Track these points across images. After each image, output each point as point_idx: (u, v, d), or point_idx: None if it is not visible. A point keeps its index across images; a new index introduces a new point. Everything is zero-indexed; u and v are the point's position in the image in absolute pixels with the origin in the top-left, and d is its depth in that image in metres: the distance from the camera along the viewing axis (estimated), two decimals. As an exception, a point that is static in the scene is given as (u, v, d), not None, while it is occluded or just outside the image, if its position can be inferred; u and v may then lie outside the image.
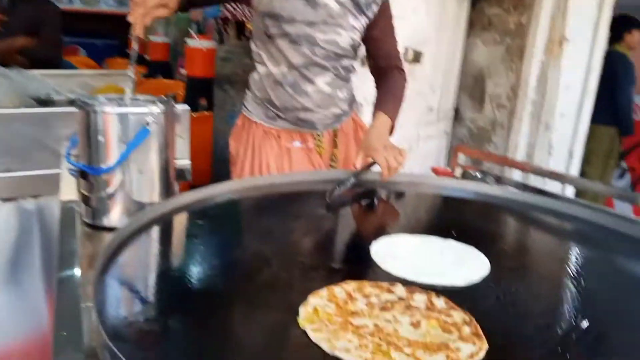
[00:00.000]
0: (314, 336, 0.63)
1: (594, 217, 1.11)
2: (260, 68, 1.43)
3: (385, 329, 0.66)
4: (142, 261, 0.88)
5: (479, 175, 1.48)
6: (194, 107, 3.27)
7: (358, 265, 0.90)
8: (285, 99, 1.40)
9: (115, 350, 0.54)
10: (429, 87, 2.47)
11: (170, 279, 0.80)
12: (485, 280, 0.84)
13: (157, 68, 5.27)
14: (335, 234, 1.02)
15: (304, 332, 0.65)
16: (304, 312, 0.69)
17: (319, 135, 1.47)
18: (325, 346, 0.61)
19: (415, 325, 0.67)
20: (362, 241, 0.97)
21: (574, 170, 2.81)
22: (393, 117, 1.38)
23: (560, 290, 0.84)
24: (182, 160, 1.17)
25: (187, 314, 0.69)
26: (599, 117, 2.90)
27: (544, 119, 2.61)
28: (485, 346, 0.63)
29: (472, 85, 2.84)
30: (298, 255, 0.92)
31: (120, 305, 0.72)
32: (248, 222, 1.08)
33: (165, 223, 1.00)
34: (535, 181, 2.18)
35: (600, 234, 1.07)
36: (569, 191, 2.49)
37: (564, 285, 0.85)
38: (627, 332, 0.73)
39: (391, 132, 1.38)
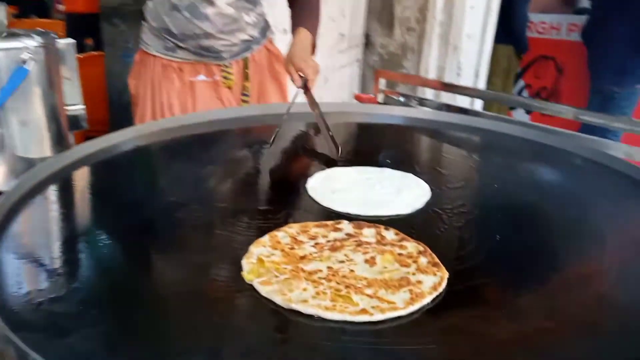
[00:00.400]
0: (264, 290, 0.56)
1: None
2: None
3: (341, 271, 0.60)
4: (41, 228, 0.74)
5: (402, 99, 1.44)
6: (79, 49, 2.91)
7: (295, 205, 0.83)
8: (183, 25, 1.23)
9: (19, 343, 0.43)
10: (339, 12, 2.36)
11: (79, 246, 0.67)
12: (429, 205, 0.81)
13: (28, 6, 4.60)
14: (264, 175, 0.93)
15: (252, 287, 0.57)
16: (248, 265, 0.61)
17: (226, 66, 1.33)
18: (278, 300, 0.54)
19: (371, 262, 0.62)
20: (295, 180, 0.89)
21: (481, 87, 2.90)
22: (314, 33, 1.27)
23: (500, 201, 0.83)
24: (74, 106, 1.00)
25: (107, 285, 0.58)
26: (497, 36, 2.97)
27: (452, 41, 2.62)
28: (445, 274, 0.60)
29: (381, 10, 2.76)
30: (227, 203, 0.83)
31: (22, 285, 0.59)
32: (161, 171, 0.96)
33: (63, 180, 0.85)
34: (448, 99, 2.22)
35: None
36: (478, 105, 2.58)
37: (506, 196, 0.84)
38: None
39: (313, 50, 1.27)
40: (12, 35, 0.81)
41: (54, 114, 0.88)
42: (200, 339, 0.49)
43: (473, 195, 0.85)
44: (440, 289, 0.57)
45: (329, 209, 0.79)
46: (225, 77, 1.33)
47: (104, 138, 0.98)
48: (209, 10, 1.23)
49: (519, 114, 3.32)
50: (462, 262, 0.64)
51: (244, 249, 0.64)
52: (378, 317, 0.52)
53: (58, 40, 0.92)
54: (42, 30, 0.87)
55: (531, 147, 1.08)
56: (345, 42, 2.58)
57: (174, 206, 0.78)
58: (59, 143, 0.91)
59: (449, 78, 2.69)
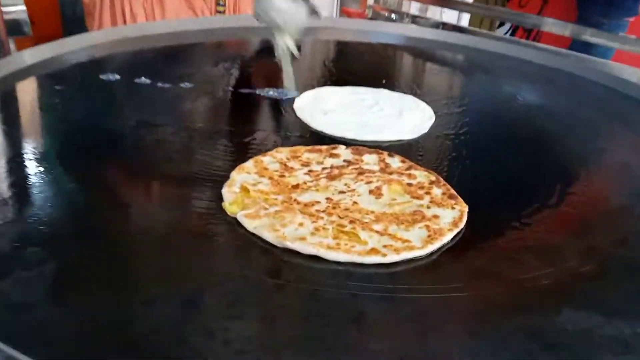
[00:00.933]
0: (251, 225, 0.46)
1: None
2: None
3: (342, 203, 0.50)
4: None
5: (389, 16, 1.30)
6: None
7: (281, 127, 0.72)
8: None
9: None
10: None
11: (21, 171, 0.55)
12: (432, 129, 0.71)
13: None
14: (245, 94, 0.81)
15: (236, 222, 0.47)
16: (230, 194, 0.50)
17: None
18: (269, 236, 0.44)
19: (376, 193, 0.52)
20: (281, 99, 0.77)
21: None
22: None
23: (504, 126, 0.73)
24: (14, 6, 0.83)
25: (56, 217, 0.47)
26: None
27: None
28: (465, 208, 0.51)
29: None
30: (201, 124, 0.70)
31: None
32: (122, 87, 0.82)
33: (4, 93, 0.71)
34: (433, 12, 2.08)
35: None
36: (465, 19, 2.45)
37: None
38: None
39: None
40: None
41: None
42: (173, 284, 0.39)
43: (478, 120, 0.75)
44: (461, 225, 0.48)
45: (321, 132, 0.68)
46: None
47: (52, 44, 0.83)
48: None
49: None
50: (478, 195, 0.55)
51: (224, 177, 0.53)
52: (392, 258, 0.43)
53: None
54: None
55: (534, 68, 0.98)
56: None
57: (138, 127, 0.65)
58: (-5, 48, 0.75)
59: None
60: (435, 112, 0.75)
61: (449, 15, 1.98)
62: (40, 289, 0.37)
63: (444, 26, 1.20)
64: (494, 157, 0.65)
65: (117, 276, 0.40)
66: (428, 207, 0.50)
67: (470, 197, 0.53)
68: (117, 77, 0.79)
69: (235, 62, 0.94)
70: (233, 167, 0.55)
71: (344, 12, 1.27)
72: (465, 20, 1.81)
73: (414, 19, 1.25)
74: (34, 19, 2.35)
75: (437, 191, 0.54)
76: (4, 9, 0.83)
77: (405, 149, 0.64)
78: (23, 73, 0.77)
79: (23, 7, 0.86)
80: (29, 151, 0.59)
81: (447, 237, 0.46)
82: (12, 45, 0.96)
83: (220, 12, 1.22)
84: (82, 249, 0.42)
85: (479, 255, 0.46)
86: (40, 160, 0.56)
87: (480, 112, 0.79)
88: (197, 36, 1.00)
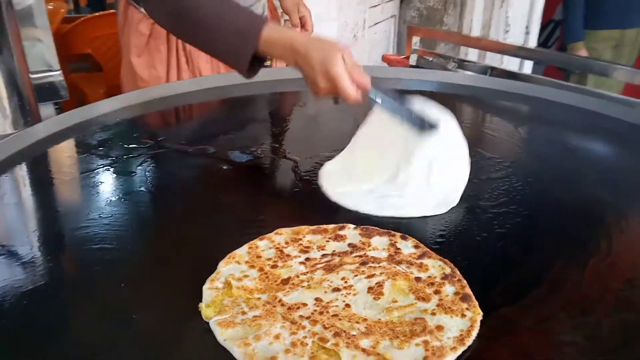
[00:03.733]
0: (221, 335, 0.41)
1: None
2: None
3: (332, 306, 0.44)
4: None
5: (436, 60, 1.23)
6: (99, 6, 2.77)
7: (301, 198, 0.67)
8: None
9: None
10: (372, -39, 2.11)
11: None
12: (466, 199, 0.63)
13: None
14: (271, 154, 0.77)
15: (208, 329, 0.42)
16: (210, 292, 0.46)
17: None
18: (238, 353, 0.39)
19: (376, 292, 0.46)
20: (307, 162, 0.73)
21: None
22: None
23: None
24: (48, 73, 0.86)
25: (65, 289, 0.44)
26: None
27: (500, -8, 2.33)
28: (478, 315, 0.43)
29: (420, -42, 2.48)
30: (219, 204, 0.67)
31: None
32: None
33: (33, 160, 0.72)
34: (492, 59, 1.97)
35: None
36: (528, 66, 2.31)
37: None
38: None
39: None
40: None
41: (12, 82, 0.74)
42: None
43: (522, 187, 0.67)
44: (469, 341, 0.40)
45: (336, 203, 0.63)
46: None
47: (81, 110, 0.85)
48: None
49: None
50: (507, 292, 0.47)
51: (219, 259, 0.49)
52: (374, 390, 0.36)
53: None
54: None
55: (599, 122, 0.87)
56: (379, -5, 2.33)
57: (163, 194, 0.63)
58: (25, 117, 0.77)
59: (495, 35, 2.41)
60: (471, 177, 0.67)
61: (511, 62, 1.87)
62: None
63: (494, 71, 1.11)
64: (535, 240, 0.56)
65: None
66: (433, 314, 0.43)
67: (495, 295, 0.45)
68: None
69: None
70: (232, 246, 0.51)
71: (384, 59, 1.22)
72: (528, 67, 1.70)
73: (461, 64, 1.18)
74: (104, 65, 2.52)
75: (448, 289, 0.46)
76: (40, 75, 0.85)
77: (422, 227, 0.57)
78: (50, 140, 0.78)
79: (58, 72, 0.88)
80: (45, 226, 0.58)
81: (448, 359, 0.39)
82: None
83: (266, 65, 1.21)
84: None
85: (487, 386, 0.38)
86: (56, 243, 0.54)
87: (528, 177, 0.70)
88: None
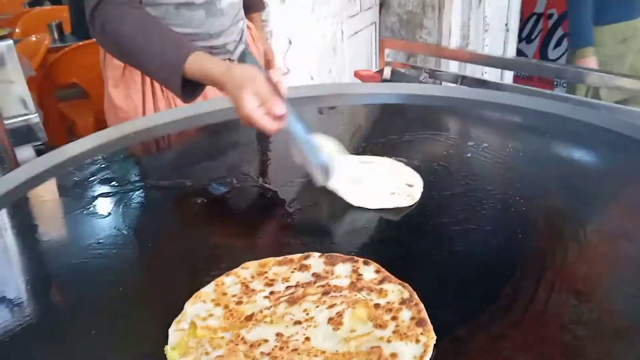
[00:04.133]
0: (185, 379, 0.43)
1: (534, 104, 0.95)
2: None
3: (292, 340, 0.46)
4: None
5: (408, 72, 1.25)
6: (83, 34, 2.79)
7: (278, 227, 0.68)
8: (196, 25, 1.04)
9: None
10: (346, -28, 2.14)
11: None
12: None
13: (44, -7, 4.53)
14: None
15: (174, 372, 0.44)
16: (176, 334, 0.48)
17: (232, 60, 1.17)
18: (200, 396, 0.41)
19: (336, 322, 0.48)
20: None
21: (512, 46, 2.63)
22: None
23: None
24: (24, 117, 0.88)
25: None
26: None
27: (476, -7, 2.36)
28: (431, 341, 0.45)
29: (395, -36, 2.51)
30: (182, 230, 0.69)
31: None
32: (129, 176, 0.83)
33: (13, 205, 0.74)
34: (473, 67, 1.99)
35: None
36: (509, 72, 2.33)
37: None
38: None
39: None
40: None
41: (-13, 131, 0.76)
42: None
43: (486, 201, 0.68)
44: (422, 366, 0.42)
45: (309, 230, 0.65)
46: None
47: (57, 152, 0.86)
48: (223, 3, 1.06)
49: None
50: (463, 312, 0.49)
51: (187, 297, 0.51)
52: None
53: (-11, 43, 0.79)
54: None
55: (569, 127, 0.89)
56: (357, 4, 2.36)
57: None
58: (0, 164, 0.79)
59: (475, 35, 2.44)
60: (435, 193, 0.69)
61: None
62: None
63: (464, 80, 1.13)
64: (489, 259, 0.58)
65: None
66: (389, 341, 0.45)
67: (449, 316, 0.47)
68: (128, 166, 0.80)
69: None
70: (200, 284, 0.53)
71: (356, 76, 1.24)
72: (508, 77, 1.70)
73: (432, 74, 1.20)
74: (91, 92, 2.54)
75: (405, 314, 0.48)
76: (15, 119, 0.87)
77: (380, 250, 0.59)
78: (26, 184, 0.80)
79: (34, 114, 0.90)
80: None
81: (401, 388, 0.40)
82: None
83: None
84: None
85: (437, 411, 0.39)
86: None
87: (489, 190, 0.72)
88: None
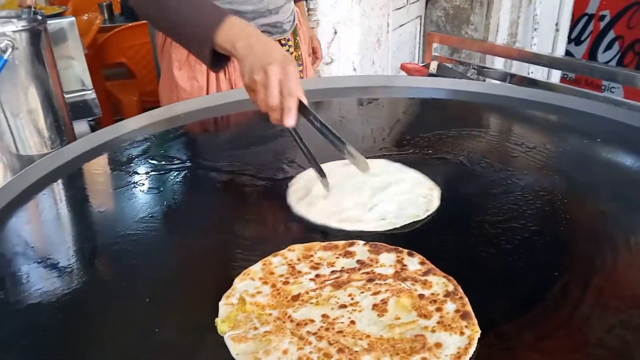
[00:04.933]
0: (234, 349, 0.44)
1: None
2: None
3: (338, 323, 0.47)
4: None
5: (456, 68, 1.24)
6: (132, 15, 2.86)
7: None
8: (256, 1, 1.07)
9: None
10: (395, -36, 2.12)
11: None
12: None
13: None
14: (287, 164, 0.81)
15: (223, 343, 0.45)
16: (226, 307, 0.50)
17: (287, 39, 1.19)
18: (248, 367, 0.42)
19: (380, 308, 0.48)
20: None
21: (561, 46, 2.56)
22: None
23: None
24: (81, 92, 0.92)
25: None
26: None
27: (528, -10, 2.30)
28: (476, 334, 0.45)
29: (445, -43, 2.47)
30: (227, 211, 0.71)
31: None
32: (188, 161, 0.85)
33: (68, 177, 0.78)
34: (520, 65, 1.95)
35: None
36: (556, 72, 2.27)
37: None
38: None
39: None
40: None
41: (49, 103, 0.80)
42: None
43: (534, 201, 0.68)
44: (466, 358, 0.43)
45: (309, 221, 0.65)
46: (291, 52, 1.20)
47: (111, 128, 0.90)
48: None
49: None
50: (508, 310, 0.49)
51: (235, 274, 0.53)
52: (372, 405, 0.39)
53: (55, 20, 0.82)
54: (34, 10, 0.77)
55: (623, 132, 0.87)
56: (404, -3, 2.33)
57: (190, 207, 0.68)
58: (60, 136, 0.83)
59: (523, 34, 2.38)
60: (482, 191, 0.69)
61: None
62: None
63: (512, 78, 1.12)
64: (535, 259, 0.57)
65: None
66: (433, 331, 0.45)
67: (493, 312, 0.47)
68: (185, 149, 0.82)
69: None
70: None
71: (403, 69, 1.24)
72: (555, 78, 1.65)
73: (480, 70, 1.18)
74: (137, 73, 2.61)
75: (450, 307, 0.48)
76: (74, 94, 0.91)
77: (429, 242, 0.59)
78: (81, 158, 0.83)
79: (90, 90, 0.94)
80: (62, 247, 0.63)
81: (445, 377, 0.41)
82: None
83: (300, 71, 1.24)
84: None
85: (481, 402, 0.40)
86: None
87: (537, 191, 0.71)
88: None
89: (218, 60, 0.77)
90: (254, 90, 0.70)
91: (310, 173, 0.73)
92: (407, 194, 0.69)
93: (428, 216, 0.65)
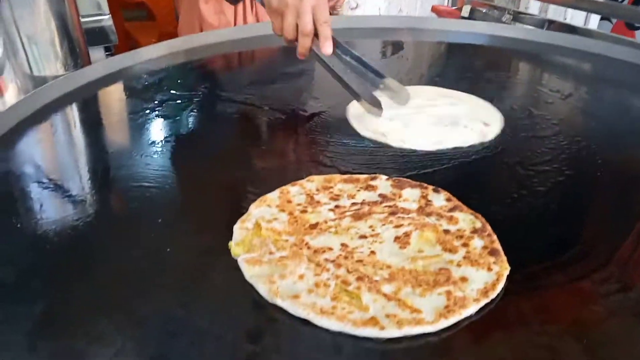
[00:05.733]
0: (248, 272, 0.42)
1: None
2: None
3: (357, 252, 0.44)
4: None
5: (490, 12, 1.17)
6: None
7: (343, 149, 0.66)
8: None
9: None
10: None
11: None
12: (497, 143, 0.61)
13: None
14: (308, 100, 0.77)
15: (236, 266, 0.43)
16: (240, 231, 0.47)
17: None
18: (262, 289, 0.40)
19: (403, 241, 0.46)
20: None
21: None
22: None
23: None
24: (98, 17, 0.88)
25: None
26: None
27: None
28: (505, 269, 0.42)
29: None
30: (261, 143, 0.68)
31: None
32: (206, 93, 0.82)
33: (83, 101, 0.75)
34: (555, 11, 1.84)
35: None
36: (594, 21, 2.15)
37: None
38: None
39: None
40: None
41: (63, 25, 0.76)
42: (141, 337, 0.37)
43: (569, 146, 0.63)
44: (493, 294, 0.40)
45: (367, 137, 0.63)
46: None
47: (126, 55, 0.86)
48: None
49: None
50: (540, 251, 0.46)
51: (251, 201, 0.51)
52: (391, 332, 0.36)
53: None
54: None
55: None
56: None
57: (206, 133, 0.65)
58: (75, 59, 0.80)
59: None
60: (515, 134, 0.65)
61: (578, 15, 1.73)
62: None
63: (550, 25, 1.05)
64: (576, 203, 0.54)
65: (87, 307, 0.39)
66: (459, 265, 0.43)
67: (523, 252, 0.44)
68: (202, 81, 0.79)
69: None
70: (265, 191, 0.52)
71: (433, 11, 1.17)
72: (594, 21, 1.56)
73: (516, 16, 1.11)
74: (157, 14, 2.55)
75: (477, 243, 0.45)
76: (90, 18, 0.87)
77: (458, 179, 0.56)
78: (98, 82, 0.80)
79: (107, 16, 0.90)
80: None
81: (470, 311, 0.38)
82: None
83: None
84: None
85: (508, 339, 0.37)
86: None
87: (573, 136, 0.66)
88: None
89: None
90: (283, 14, 0.66)
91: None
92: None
93: (456, 154, 0.62)
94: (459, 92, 0.76)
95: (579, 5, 1.07)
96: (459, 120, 0.67)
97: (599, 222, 0.50)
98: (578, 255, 0.45)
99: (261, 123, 0.72)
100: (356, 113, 0.69)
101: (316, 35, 0.66)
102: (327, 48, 0.65)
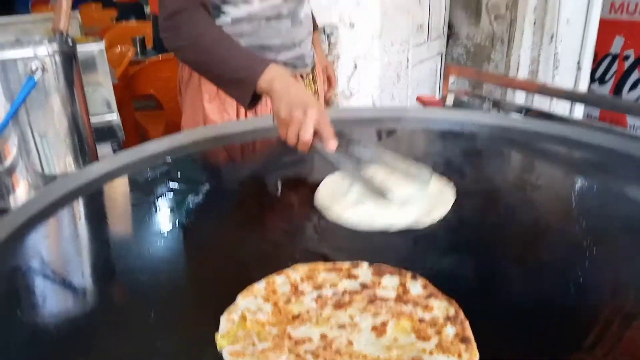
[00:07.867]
0: (231, 364, 0.45)
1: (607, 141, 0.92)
2: (236, 9, 1.07)
3: (336, 342, 0.47)
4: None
5: (471, 101, 1.25)
6: (164, 49, 2.98)
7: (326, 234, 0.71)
8: (284, 34, 1.13)
9: None
10: (415, 1, 2.17)
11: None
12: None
13: (128, 10, 4.88)
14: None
15: (222, 358, 0.46)
16: (227, 323, 0.50)
17: (308, 74, 1.24)
18: (244, 381, 0.43)
19: (379, 330, 0.49)
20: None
21: (584, 84, 2.55)
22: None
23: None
24: (105, 115, 0.96)
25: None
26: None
27: (548, 28, 2.32)
28: (475, 358, 0.45)
29: (467, -4, 2.52)
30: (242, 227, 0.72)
31: None
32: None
33: (89, 196, 0.81)
34: (540, 102, 1.95)
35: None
36: (579, 110, 2.26)
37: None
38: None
39: None
40: (24, 43, 0.77)
41: (74, 125, 0.84)
42: None
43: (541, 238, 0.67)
44: (463, 381, 0.42)
45: (354, 239, 0.66)
46: (310, 86, 1.25)
47: (132, 151, 0.93)
48: (302, 13, 1.15)
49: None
50: (512, 338, 0.48)
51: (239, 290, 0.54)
52: (364, 423, 0.39)
53: (85, 45, 0.87)
54: (59, 34, 0.82)
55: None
56: (424, 34, 2.38)
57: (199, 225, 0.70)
58: (83, 156, 0.86)
59: (544, 72, 2.39)
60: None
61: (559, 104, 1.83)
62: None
63: (528, 112, 1.12)
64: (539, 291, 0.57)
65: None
66: (431, 353, 0.45)
67: (496, 339, 0.47)
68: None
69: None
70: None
71: (418, 101, 1.26)
72: (579, 111, 1.65)
73: (495, 104, 1.19)
74: (165, 105, 2.70)
75: (449, 330, 0.48)
76: (99, 117, 0.95)
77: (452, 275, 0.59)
78: (101, 179, 0.86)
79: (116, 115, 0.98)
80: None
81: (439, 400, 0.41)
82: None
83: None
84: None
85: None
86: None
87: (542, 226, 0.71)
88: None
89: (252, 99, 0.89)
90: (289, 124, 0.75)
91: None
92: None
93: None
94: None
95: (558, 94, 1.15)
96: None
97: (576, 312, 0.53)
98: (549, 346, 0.47)
99: (250, 210, 0.77)
100: (324, 198, 0.74)
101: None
102: (331, 145, 0.77)
